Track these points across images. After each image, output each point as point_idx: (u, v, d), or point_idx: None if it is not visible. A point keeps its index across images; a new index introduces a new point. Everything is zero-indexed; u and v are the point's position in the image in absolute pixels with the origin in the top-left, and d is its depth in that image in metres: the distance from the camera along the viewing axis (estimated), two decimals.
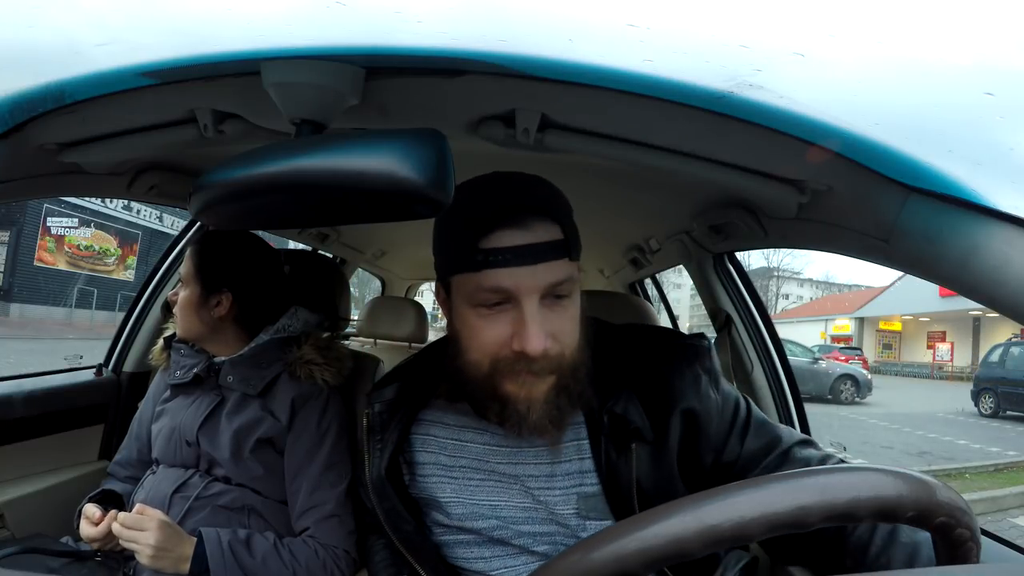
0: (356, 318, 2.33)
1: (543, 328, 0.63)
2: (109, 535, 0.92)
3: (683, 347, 0.72)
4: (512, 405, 0.66)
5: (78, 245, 16.29)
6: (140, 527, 0.89)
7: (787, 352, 1.47)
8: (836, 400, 12.03)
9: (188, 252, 1.12)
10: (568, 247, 0.65)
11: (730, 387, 0.75)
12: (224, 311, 1.09)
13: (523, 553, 0.73)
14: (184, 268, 1.11)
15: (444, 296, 0.73)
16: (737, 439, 0.72)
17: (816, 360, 12.80)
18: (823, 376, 12.29)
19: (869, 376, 12.99)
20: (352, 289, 1.73)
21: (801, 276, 42.64)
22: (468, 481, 0.75)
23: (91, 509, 0.95)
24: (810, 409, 1.42)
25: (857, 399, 12.24)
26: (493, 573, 0.73)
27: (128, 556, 0.94)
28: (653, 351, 0.72)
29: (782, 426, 0.76)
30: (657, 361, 0.71)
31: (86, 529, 0.93)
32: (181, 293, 1.10)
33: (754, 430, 0.72)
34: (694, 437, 0.70)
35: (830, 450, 0.76)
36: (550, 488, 0.71)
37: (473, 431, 0.75)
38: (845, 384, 12.37)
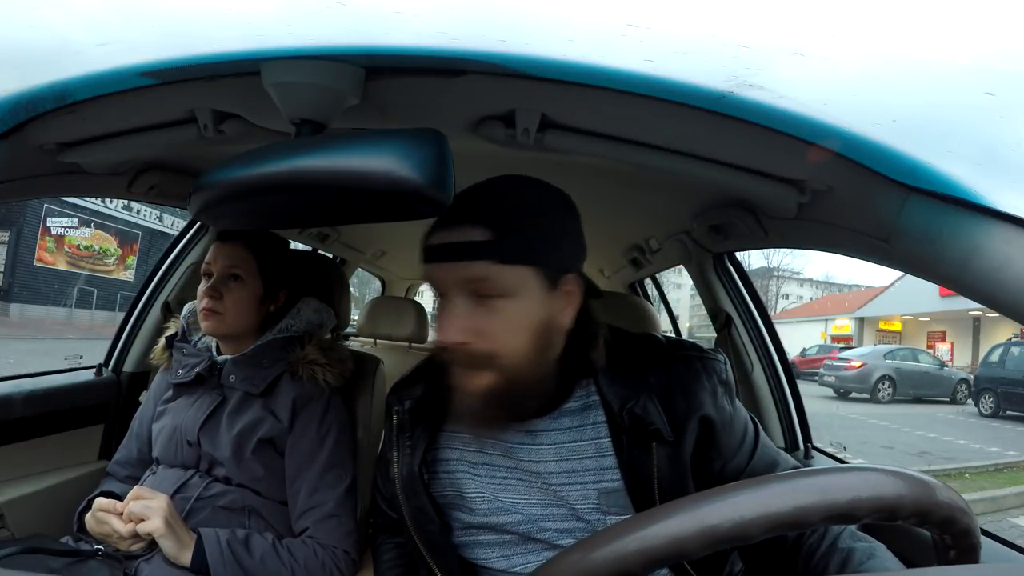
0: (356, 318, 2.33)
1: (459, 322, 0.66)
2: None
3: (703, 359, 0.75)
4: (457, 397, 0.70)
5: (78, 245, 16.26)
6: (153, 497, 0.94)
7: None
8: (953, 401, 13.22)
9: (234, 249, 1.09)
10: (491, 250, 0.65)
11: (740, 405, 0.79)
12: (279, 304, 1.15)
13: (547, 548, 0.74)
14: (231, 262, 1.08)
15: None
16: (746, 455, 0.75)
17: (942, 367, 14.11)
18: (947, 381, 13.60)
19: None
20: (352, 289, 1.73)
21: (801, 276, 42.55)
22: (491, 478, 0.76)
23: (104, 502, 0.95)
24: (812, 408, 1.42)
25: (968, 401, 13.27)
26: (514, 570, 0.74)
27: (129, 556, 0.94)
28: (674, 360, 0.74)
29: (782, 452, 0.80)
30: (678, 369, 0.73)
31: (116, 523, 0.93)
32: (234, 290, 1.07)
33: (760, 451, 0.77)
34: (707, 443, 0.72)
35: (830, 449, 0.77)
36: (570, 484, 0.73)
37: None
38: (961, 387, 13.53)
